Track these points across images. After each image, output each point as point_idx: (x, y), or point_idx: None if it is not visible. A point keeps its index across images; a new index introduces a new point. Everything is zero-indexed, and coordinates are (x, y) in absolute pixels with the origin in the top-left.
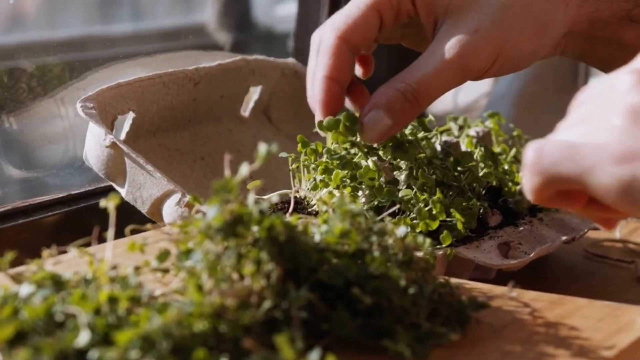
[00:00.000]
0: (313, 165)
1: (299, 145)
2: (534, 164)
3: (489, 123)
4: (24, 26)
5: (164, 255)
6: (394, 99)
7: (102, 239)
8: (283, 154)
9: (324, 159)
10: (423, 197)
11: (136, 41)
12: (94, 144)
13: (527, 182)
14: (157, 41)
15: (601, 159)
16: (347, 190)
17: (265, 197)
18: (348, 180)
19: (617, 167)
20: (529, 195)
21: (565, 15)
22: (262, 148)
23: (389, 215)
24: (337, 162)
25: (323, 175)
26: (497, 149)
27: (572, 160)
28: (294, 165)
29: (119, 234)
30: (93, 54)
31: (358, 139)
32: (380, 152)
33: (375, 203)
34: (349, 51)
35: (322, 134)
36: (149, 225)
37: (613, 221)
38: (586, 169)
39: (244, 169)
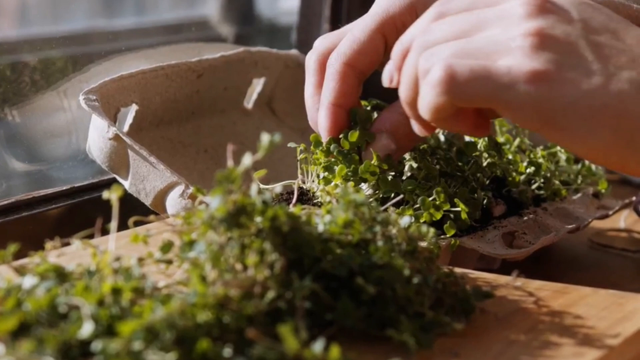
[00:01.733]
0: (321, 161)
1: (313, 145)
2: (443, 82)
3: None
4: (27, 20)
5: (167, 247)
6: (397, 123)
7: (105, 231)
8: (291, 144)
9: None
10: (427, 187)
11: (139, 34)
12: (97, 137)
13: (431, 100)
14: (160, 34)
15: (516, 78)
16: (350, 184)
17: (269, 186)
18: (350, 174)
19: (531, 86)
20: (427, 112)
21: None
22: (265, 138)
23: (393, 205)
24: (342, 157)
25: (326, 173)
26: (500, 139)
27: (487, 79)
28: (301, 156)
29: (123, 226)
30: (96, 47)
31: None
32: None
33: (380, 194)
34: (355, 77)
35: None
36: (152, 217)
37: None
38: (501, 87)
39: (247, 160)
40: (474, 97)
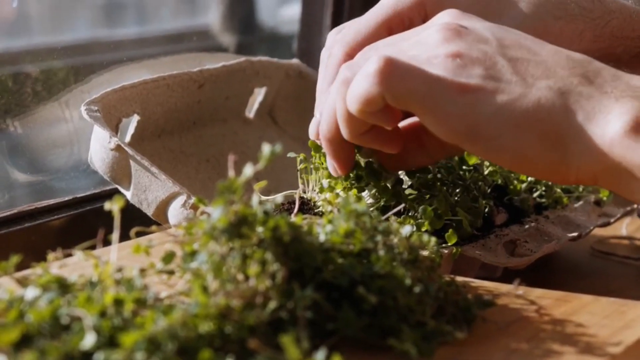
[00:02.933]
0: (322, 168)
1: (312, 150)
2: (380, 73)
3: None
4: (28, 31)
5: (169, 257)
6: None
7: (107, 242)
8: (291, 154)
9: None
10: (428, 196)
11: (141, 45)
12: (99, 147)
13: (364, 90)
14: (162, 44)
15: (446, 87)
16: (352, 192)
17: (270, 197)
18: (354, 182)
19: (458, 97)
20: (356, 103)
21: (579, 49)
22: (266, 148)
23: (394, 214)
24: None
25: (329, 180)
26: None
27: (422, 79)
28: (301, 165)
29: (125, 237)
30: (98, 57)
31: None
32: None
33: (381, 203)
34: None
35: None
36: (154, 227)
37: (350, 164)
38: (433, 92)
39: (248, 170)
40: (406, 95)
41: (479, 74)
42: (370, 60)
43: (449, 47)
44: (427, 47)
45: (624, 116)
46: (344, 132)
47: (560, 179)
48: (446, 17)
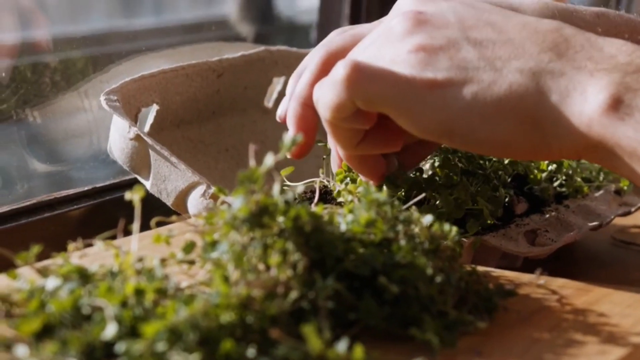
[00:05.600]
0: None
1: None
2: (347, 79)
3: None
4: (47, 21)
5: (189, 247)
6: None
7: (127, 232)
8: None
9: None
10: (449, 185)
11: (159, 34)
12: (118, 137)
13: (333, 97)
14: (179, 34)
15: (415, 86)
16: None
17: (292, 184)
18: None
19: (428, 95)
20: (327, 110)
21: None
22: (287, 138)
23: (415, 204)
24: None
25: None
26: None
27: (391, 82)
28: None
29: (145, 227)
30: (116, 47)
31: None
32: None
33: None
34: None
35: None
36: (174, 217)
37: (380, 173)
38: (403, 92)
39: (269, 160)
40: (375, 99)
41: (445, 65)
42: (337, 66)
43: (410, 42)
44: (391, 43)
45: (601, 94)
46: (341, 147)
47: (543, 158)
48: (406, 2)
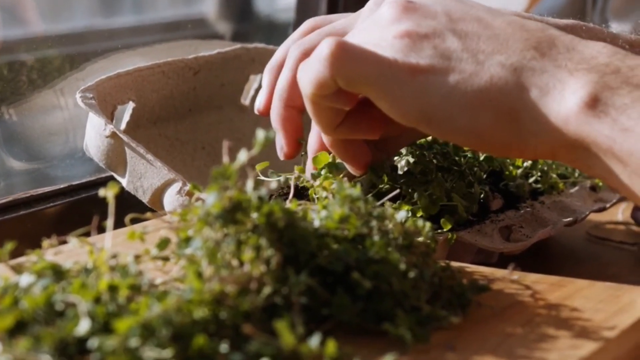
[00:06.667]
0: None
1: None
2: (331, 56)
3: None
4: (24, 19)
5: (163, 244)
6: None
7: (102, 229)
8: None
9: None
10: (423, 181)
11: (137, 33)
12: (94, 135)
13: (315, 74)
14: (158, 33)
15: (398, 70)
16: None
17: (267, 179)
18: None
19: (410, 79)
20: (309, 86)
21: None
22: (260, 134)
23: (389, 200)
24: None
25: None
26: None
27: (374, 63)
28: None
29: (120, 224)
30: (93, 45)
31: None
32: None
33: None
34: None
35: None
36: (149, 214)
37: (365, 161)
38: (385, 74)
39: (243, 155)
40: (357, 79)
41: (428, 53)
42: (322, 43)
43: (397, 27)
44: (378, 28)
45: (579, 92)
46: (321, 128)
47: (517, 154)
48: None
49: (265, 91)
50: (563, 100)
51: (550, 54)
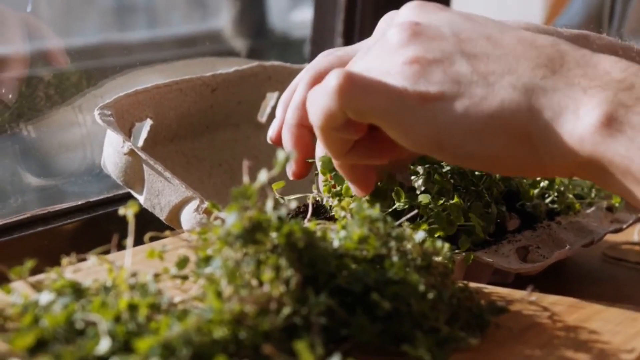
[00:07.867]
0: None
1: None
2: (339, 89)
3: None
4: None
5: (183, 262)
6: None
7: (121, 247)
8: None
9: None
10: (441, 202)
11: (153, 48)
12: (112, 151)
13: (324, 106)
14: (173, 48)
15: (408, 98)
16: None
17: (286, 197)
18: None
19: (419, 107)
20: (318, 119)
21: None
22: (281, 155)
23: (407, 220)
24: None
25: (340, 187)
26: None
27: (382, 93)
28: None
29: (138, 241)
30: (110, 61)
31: None
32: None
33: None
34: (310, 134)
35: None
36: (167, 232)
37: (370, 183)
38: (394, 104)
39: (263, 176)
40: (367, 110)
41: (438, 79)
42: (330, 75)
43: (405, 53)
44: (386, 54)
45: (594, 111)
46: (330, 155)
47: (533, 175)
48: (404, 13)
49: (277, 121)
50: (577, 121)
51: (562, 70)
